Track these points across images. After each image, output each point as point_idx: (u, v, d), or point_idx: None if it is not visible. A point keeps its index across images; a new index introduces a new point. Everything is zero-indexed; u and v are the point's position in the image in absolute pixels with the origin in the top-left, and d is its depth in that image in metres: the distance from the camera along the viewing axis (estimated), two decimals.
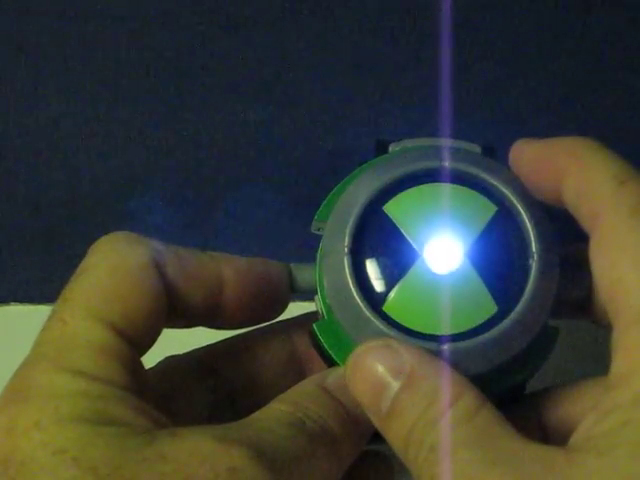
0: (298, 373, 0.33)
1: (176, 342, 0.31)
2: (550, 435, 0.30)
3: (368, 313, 0.29)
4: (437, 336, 0.28)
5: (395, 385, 0.27)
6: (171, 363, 0.32)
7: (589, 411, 0.25)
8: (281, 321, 0.33)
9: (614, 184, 0.26)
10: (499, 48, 0.44)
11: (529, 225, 0.29)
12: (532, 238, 0.29)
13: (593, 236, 0.27)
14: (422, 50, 0.44)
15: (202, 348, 0.33)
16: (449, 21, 0.41)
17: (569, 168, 0.27)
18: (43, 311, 0.28)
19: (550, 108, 0.45)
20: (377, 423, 0.27)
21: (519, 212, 0.29)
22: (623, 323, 0.25)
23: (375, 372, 0.27)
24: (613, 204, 0.26)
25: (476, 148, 0.32)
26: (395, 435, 0.27)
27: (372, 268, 0.29)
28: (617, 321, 0.25)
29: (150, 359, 0.29)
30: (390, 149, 0.32)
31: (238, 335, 0.33)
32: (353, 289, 0.29)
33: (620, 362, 0.25)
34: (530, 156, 0.29)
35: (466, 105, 0.43)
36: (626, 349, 0.24)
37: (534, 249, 0.29)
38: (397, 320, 0.29)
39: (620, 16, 0.44)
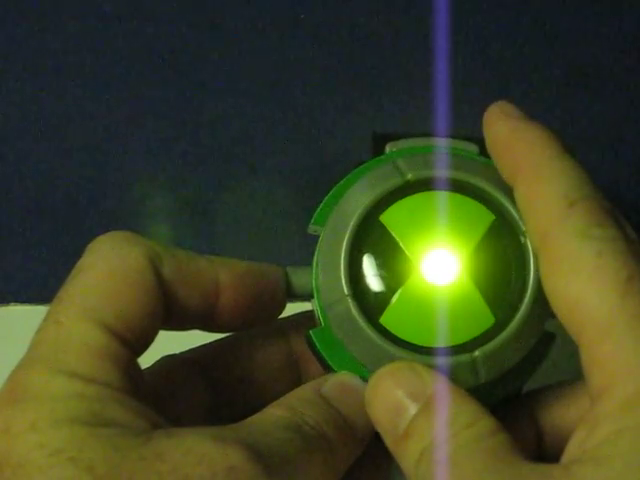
0: (295, 374, 0.33)
1: (172, 342, 0.31)
2: (545, 437, 0.30)
3: (364, 325, 0.28)
4: (433, 348, 0.28)
5: (413, 408, 0.27)
6: (167, 363, 0.32)
7: (580, 420, 0.25)
8: (278, 321, 0.32)
9: (564, 204, 0.26)
10: (497, 46, 0.44)
11: (527, 234, 0.28)
12: (530, 247, 0.28)
13: (542, 256, 0.26)
14: (420, 50, 0.44)
15: (198, 348, 0.33)
16: (446, 21, 0.41)
17: (521, 171, 0.27)
18: (43, 311, 0.28)
19: (548, 106, 0.45)
20: (390, 443, 0.27)
21: (516, 221, 0.29)
22: (589, 340, 0.25)
23: (394, 394, 0.27)
24: (561, 227, 0.25)
25: (473, 147, 0.31)
26: (407, 456, 0.27)
27: (368, 279, 0.29)
28: (582, 339, 0.25)
29: (147, 359, 0.29)
30: (387, 149, 0.32)
31: (235, 335, 0.32)
32: (350, 301, 0.28)
33: (597, 377, 0.24)
34: (496, 136, 0.28)
35: (464, 103, 0.43)
36: (599, 364, 0.24)
37: (532, 259, 0.28)
38: (394, 332, 0.28)
39: (619, 18, 0.45)
